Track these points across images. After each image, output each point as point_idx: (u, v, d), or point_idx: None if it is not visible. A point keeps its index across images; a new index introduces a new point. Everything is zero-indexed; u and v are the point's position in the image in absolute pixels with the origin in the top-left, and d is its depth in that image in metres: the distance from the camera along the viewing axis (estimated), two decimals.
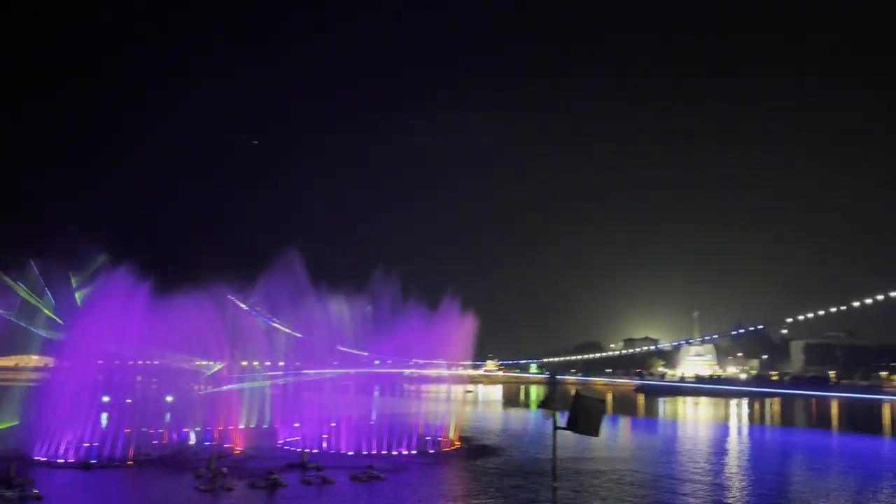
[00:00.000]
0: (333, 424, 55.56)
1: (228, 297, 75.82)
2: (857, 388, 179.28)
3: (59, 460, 46.26)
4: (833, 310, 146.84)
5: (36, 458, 46.16)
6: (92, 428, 48.81)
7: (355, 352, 73.40)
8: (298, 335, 71.76)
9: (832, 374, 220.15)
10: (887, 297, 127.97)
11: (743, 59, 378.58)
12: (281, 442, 55.66)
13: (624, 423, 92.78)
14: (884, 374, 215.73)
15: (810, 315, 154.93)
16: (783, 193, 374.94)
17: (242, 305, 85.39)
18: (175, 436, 56.12)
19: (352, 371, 75.81)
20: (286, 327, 76.07)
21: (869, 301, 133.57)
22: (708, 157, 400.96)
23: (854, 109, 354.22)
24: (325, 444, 53.78)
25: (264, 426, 61.35)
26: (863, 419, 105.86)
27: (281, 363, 76.36)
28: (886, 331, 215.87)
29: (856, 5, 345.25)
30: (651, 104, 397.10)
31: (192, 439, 56.10)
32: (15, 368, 78.14)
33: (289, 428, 57.65)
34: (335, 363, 74.67)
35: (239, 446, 53.37)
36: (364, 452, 51.57)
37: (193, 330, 57.35)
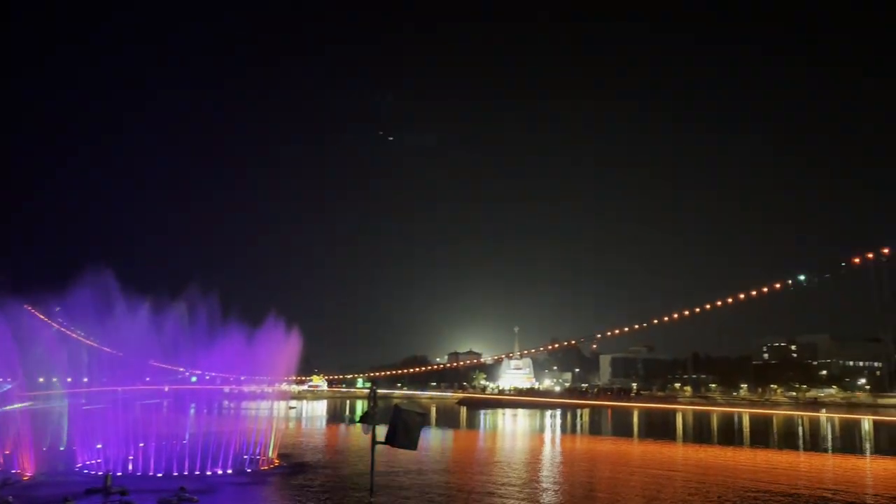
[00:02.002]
0: (142, 444, 51.83)
1: (25, 307, 68.84)
2: (655, 399, 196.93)
3: None
4: (636, 326, 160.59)
5: None
6: None
7: (170, 367, 69.14)
8: (106, 349, 66.47)
9: (634, 385, 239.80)
10: (681, 315, 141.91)
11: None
12: (80, 465, 51.05)
13: (445, 435, 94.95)
14: (677, 385, 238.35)
15: (616, 331, 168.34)
16: (587, 211, 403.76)
17: (41, 317, 77.85)
18: None
19: (165, 388, 71.26)
20: (92, 341, 70.29)
21: (666, 318, 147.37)
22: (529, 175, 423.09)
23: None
24: (131, 466, 49.99)
25: (61, 448, 56.03)
26: (659, 427, 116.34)
27: (85, 379, 70.22)
28: (681, 346, 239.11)
29: None
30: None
31: None
32: None
33: (90, 449, 53.00)
34: (147, 379, 69.83)
35: (29, 471, 48.23)
36: (175, 474, 48.52)
37: None
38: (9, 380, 62.15)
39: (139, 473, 48.53)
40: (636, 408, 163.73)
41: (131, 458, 50.94)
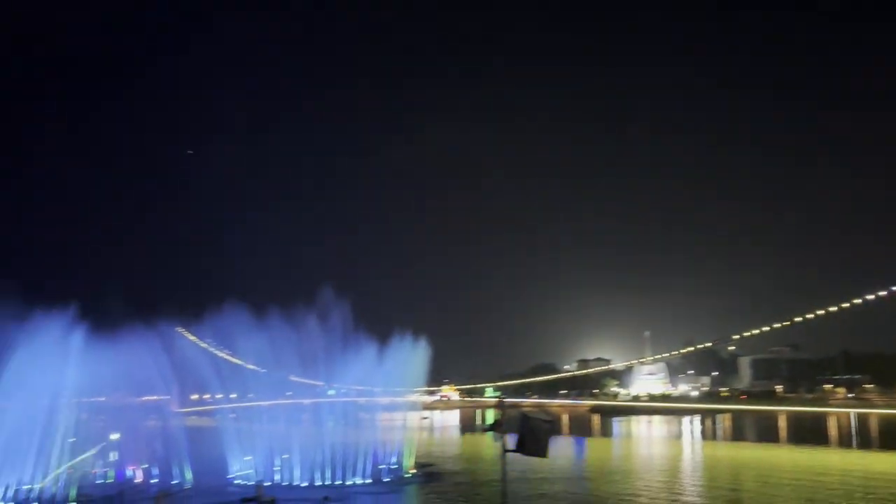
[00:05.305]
0: (286, 456, 54.53)
1: (176, 329, 74.35)
2: (803, 401, 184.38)
3: None
4: (777, 325, 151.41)
5: None
6: (33, 469, 46.93)
7: (309, 381, 72.37)
8: (250, 367, 70.51)
9: (779, 388, 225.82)
10: (827, 312, 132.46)
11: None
12: (232, 475, 54.37)
13: (578, 443, 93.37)
14: (827, 386, 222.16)
15: (756, 331, 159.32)
16: (726, 215, 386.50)
17: (191, 338, 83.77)
18: (120, 474, 54.34)
19: (305, 401, 74.59)
20: (237, 358, 74.77)
21: (810, 316, 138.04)
22: (650, 180, 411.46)
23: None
24: (277, 477, 52.74)
25: (214, 460, 59.91)
26: (810, 431, 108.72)
27: (232, 395, 74.79)
28: (827, 344, 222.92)
29: None
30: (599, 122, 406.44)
31: (139, 477, 54.38)
32: None
33: (240, 461, 56.38)
34: (288, 393, 73.46)
35: (187, 481, 51.91)
36: (318, 483, 50.73)
37: (140, 365, 55.78)
38: (167, 396, 67.37)
39: (285, 483, 51.10)
40: (783, 411, 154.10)
41: (277, 468, 53.75)
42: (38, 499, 44.81)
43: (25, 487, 45.85)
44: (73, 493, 45.97)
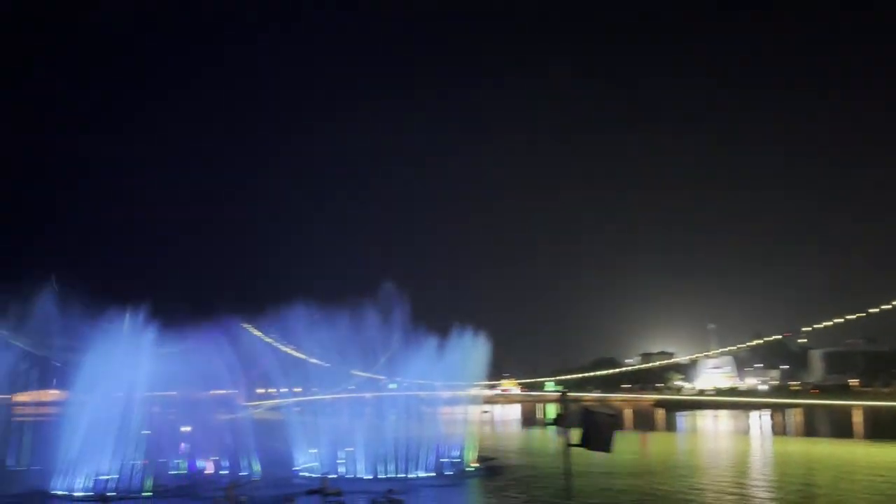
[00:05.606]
0: (350, 449, 55.36)
1: (242, 325, 76.19)
2: (880, 395, 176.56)
3: (78, 493, 46.34)
4: (851, 317, 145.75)
5: (54, 492, 46.27)
6: (109, 460, 48.91)
7: (371, 375, 73.26)
8: (314, 361, 71.81)
9: (853, 382, 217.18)
10: None
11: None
12: (298, 468, 55.51)
13: (643, 438, 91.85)
14: None
15: (829, 323, 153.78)
16: (796, 200, 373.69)
17: (256, 333, 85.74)
18: (192, 465, 56.10)
19: (367, 395, 75.58)
20: (301, 353, 76.15)
21: (887, 307, 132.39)
22: (717, 164, 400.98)
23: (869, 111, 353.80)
24: (342, 469, 53.59)
25: (281, 453, 61.29)
26: (887, 427, 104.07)
27: (297, 389, 76.30)
28: None
29: None
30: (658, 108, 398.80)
31: (209, 468, 56.05)
32: (32, 403, 78.46)
33: (305, 453, 57.52)
34: (351, 387, 74.53)
35: (256, 474, 53.25)
36: (381, 476, 51.33)
37: (208, 361, 57.50)
38: (234, 390, 69.16)
39: (349, 476, 51.89)
40: (858, 406, 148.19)
41: (341, 461, 54.63)
42: (116, 489, 46.62)
43: (103, 478, 47.83)
44: (148, 483, 47.69)
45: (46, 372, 64.28)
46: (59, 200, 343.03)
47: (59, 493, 46.24)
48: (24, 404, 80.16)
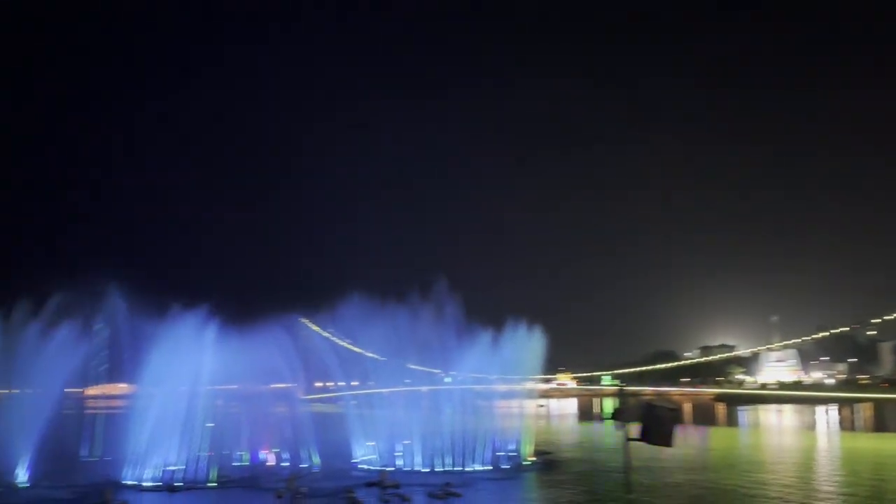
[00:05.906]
0: (407, 442, 55.85)
1: (300, 320, 77.56)
2: None
3: (146, 483, 48.00)
4: None
5: (125, 482, 47.99)
6: (176, 452, 50.47)
7: (427, 369, 73.68)
8: (370, 355, 72.56)
9: None
10: None
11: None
12: (356, 460, 56.28)
13: (704, 433, 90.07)
14: None
15: None
16: (861, 192, 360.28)
17: (314, 328, 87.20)
18: (254, 457, 57.47)
19: (424, 389, 76.04)
20: (357, 347, 77.06)
21: None
22: (779, 158, 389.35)
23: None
24: (399, 462, 54.12)
25: (339, 445, 62.29)
26: None
27: (354, 382, 77.29)
28: None
29: None
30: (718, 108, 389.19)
31: (271, 460, 57.32)
32: (103, 397, 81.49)
33: (363, 446, 58.28)
34: (407, 381, 75.10)
35: (315, 466, 54.22)
36: (438, 469, 51.65)
37: (268, 355, 58.72)
38: (294, 384, 70.50)
39: (406, 469, 52.38)
40: None
41: (398, 454, 55.17)
42: (182, 479, 48.12)
43: (171, 469, 49.40)
44: (213, 474, 49.06)
45: (116, 367, 66.57)
46: (101, 199, 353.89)
47: (129, 483, 47.89)
48: (95, 398, 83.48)
